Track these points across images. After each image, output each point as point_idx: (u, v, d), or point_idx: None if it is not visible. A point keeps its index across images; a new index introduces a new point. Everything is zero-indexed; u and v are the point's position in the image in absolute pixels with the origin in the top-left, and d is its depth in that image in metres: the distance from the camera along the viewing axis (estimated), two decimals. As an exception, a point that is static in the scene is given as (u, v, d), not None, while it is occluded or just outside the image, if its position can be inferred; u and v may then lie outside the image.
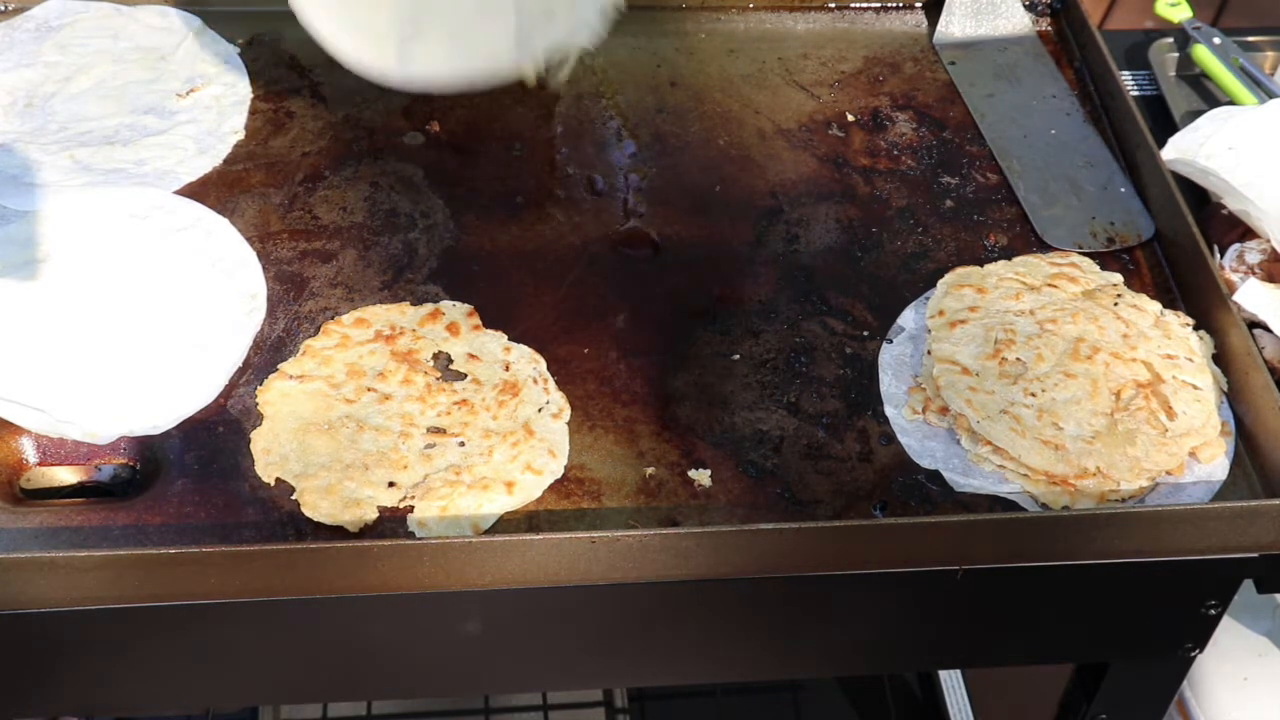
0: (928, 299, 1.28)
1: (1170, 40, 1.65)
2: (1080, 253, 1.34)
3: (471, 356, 1.20)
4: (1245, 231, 1.35)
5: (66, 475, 1.14)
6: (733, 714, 2.00)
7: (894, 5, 1.63)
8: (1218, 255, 1.33)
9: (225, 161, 1.39)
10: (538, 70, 1.18)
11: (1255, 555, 1.13)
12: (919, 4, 1.63)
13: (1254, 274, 1.31)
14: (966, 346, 1.21)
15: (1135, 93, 1.60)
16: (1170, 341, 1.22)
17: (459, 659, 1.19)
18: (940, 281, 1.29)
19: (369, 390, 1.17)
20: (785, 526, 1.07)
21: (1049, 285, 1.27)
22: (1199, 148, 1.42)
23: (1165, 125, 1.55)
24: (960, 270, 1.30)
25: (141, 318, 1.20)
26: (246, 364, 1.20)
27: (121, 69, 1.46)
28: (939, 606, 1.18)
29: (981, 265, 1.31)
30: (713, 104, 1.50)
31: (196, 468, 1.12)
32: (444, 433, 1.14)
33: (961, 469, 1.16)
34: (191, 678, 1.17)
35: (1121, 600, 1.19)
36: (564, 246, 1.34)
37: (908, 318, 1.28)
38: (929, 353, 1.22)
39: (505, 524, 1.10)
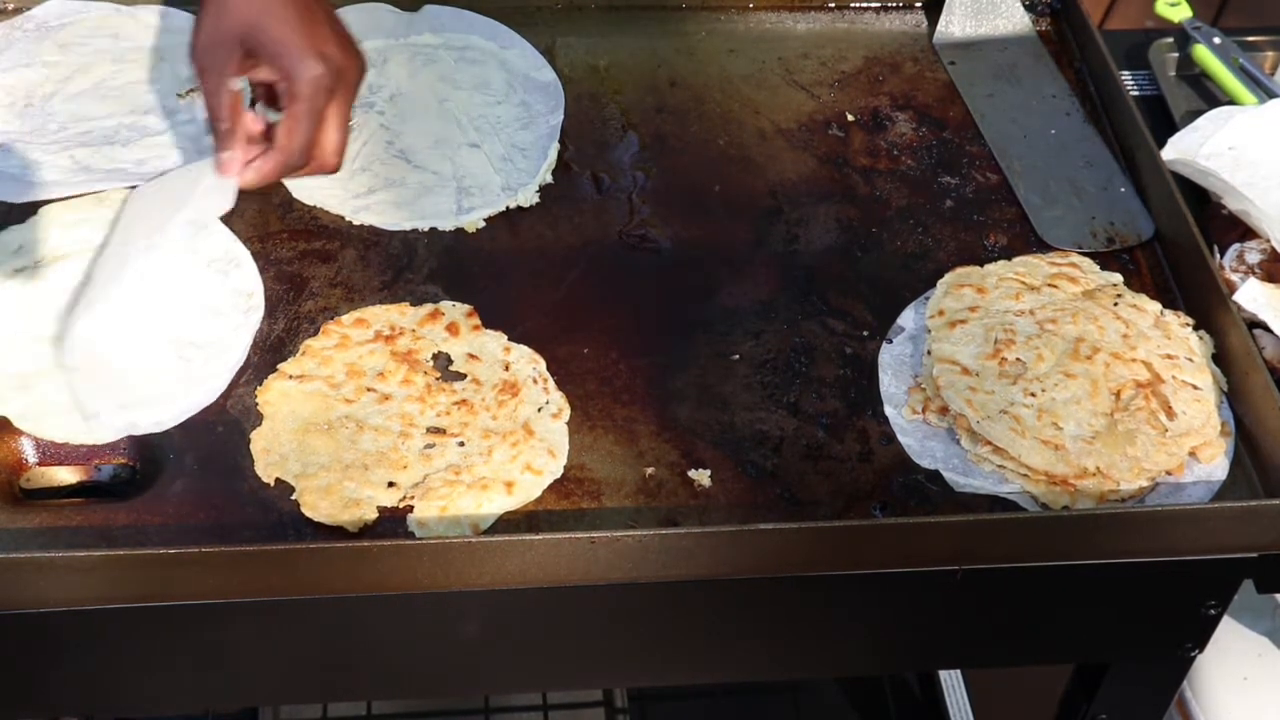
0: (928, 299, 1.28)
1: (1170, 40, 1.65)
2: (1080, 253, 1.34)
3: (471, 357, 1.20)
4: (1245, 231, 1.35)
5: (66, 475, 1.14)
6: (733, 714, 2.00)
7: (894, 5, 1.63)
8: (1218, 255, 1.33)
9: (225, 161, 1.39)
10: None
11: (1255, 555, 1.13)
12: (919, 4, 1.63)
13: (1254, 274, 1.31)
14: (966, 346, 1.21)
15: (1135, 93, 1.60)
16: (1170, 341, 1.22)
17: (459, 659, 1.19)
18: (940, 281, 1.28)
19: (369, 390, 1.17)
20: (785, 526, 1.07)
21: (1049, 285, 1.27)
22: (1199, 148, 1.42)
23: (1165, 125, 1.54)
24: (960, 270, 1.30)
25: (141, 317, 1.20)
26: (246, 364, 1.20)
27: (121, 69, 1.46)
28: (939, 606, 1.18)
29: (981, 265, 1.31)
30: (713, 104, 1.50)
31: (196, 468, 1.12)
32: (443, 433, 1.14)
33: (961, 469, 1.15)
34: (191, 678, 1.17)
35: (1121, 600, 1.19)
36: (564, 246, 1.34)
37: (908, 318, 1.28)
38: (929, 353, 1.22)
39: (505, 524, 1.10)
